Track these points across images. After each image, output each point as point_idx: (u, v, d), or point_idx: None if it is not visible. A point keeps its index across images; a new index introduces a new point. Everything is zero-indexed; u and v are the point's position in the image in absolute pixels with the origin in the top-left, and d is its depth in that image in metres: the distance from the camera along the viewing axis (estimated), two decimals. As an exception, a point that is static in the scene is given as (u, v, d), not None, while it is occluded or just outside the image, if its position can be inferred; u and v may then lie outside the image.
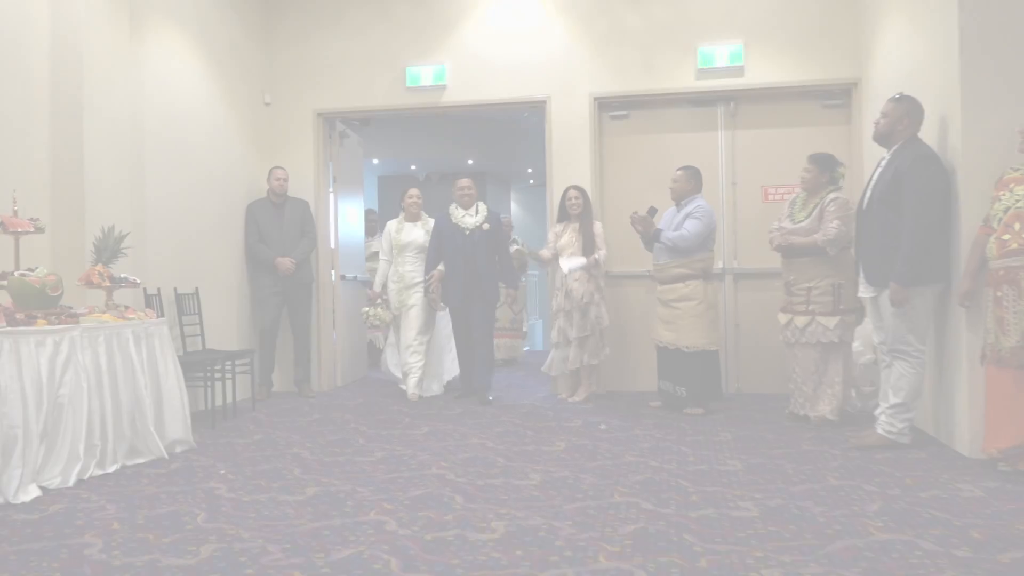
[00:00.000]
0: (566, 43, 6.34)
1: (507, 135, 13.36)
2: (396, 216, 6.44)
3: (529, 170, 15.52)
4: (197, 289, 5.67)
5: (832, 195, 4.75)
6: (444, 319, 6.32)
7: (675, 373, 5.36)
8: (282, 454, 4.23)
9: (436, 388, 6.33)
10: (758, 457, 3.98)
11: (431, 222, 6.20)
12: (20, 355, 3.38)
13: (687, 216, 5.30)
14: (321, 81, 6.69)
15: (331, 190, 6.87)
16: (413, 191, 6.36)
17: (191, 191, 5.66)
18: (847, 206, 4.68)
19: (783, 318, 5.00)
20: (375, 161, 13.58)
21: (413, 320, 6.13)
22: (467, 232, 5.93)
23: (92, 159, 4.58)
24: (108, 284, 4.09)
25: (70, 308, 3.95)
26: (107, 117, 4.72)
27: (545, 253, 6.09)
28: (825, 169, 4.88)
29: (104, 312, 4.02)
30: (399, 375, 6.37)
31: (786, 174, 6.13)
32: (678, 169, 5.46)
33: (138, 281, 4.33)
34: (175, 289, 5.47)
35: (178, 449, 4.28)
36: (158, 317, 4.35)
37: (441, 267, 6.00)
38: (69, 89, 4.53)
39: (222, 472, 3.82)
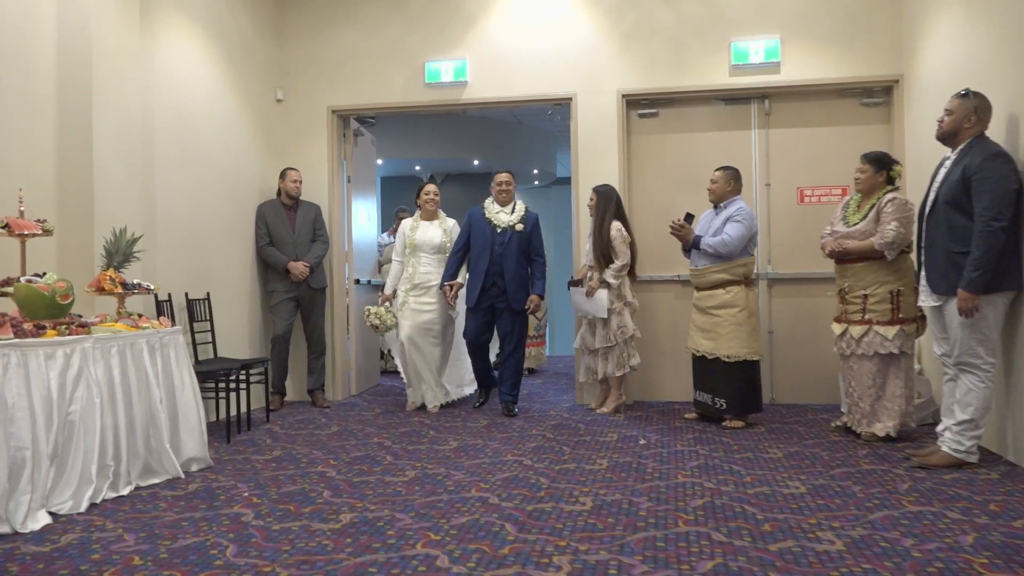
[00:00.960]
0: (593, 38, 6.08)
1: (513, 135, 13.14)
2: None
3: (535, 171, 15.27)
4: (208, 294, 5.39)
5: (889, 195, 4.48)
6: (459, 322, 6.01)
7: (713, 384, 5.10)
8: (306, 473, 3.95)
9: (442, 396, 5.86)
10: (819, 478, 3.71)
11: (450, 222, 5.92)
12: (28, 369, 3.09)
13: (727, 219, 5.04)
14: (335, 77, 6.41)
15: (346, 191, 6.58)
16: (430, 187, 5.97)
17: (201, 191, 5.38)
18: (906, 207, 4.42)
19: (837, 328, 4.73)
20: (379, 161, 13.31)
21: (424, 325, 5.74)
22: (498, 229, 5.56)
23: (101, 157, 4.30)
24: (120, 291, 3.81)
25: (80, 317, 3.67)
26: (117, 113, 4.44)
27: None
28: (881, 168, 4.59)
29: (116, 321, 3.74)
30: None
31: (822, 175, 5.90)
32: (717, 170, 5.20)
33: (152, 287, 4.04)
34: (186, 294, 5.18)
35: (194, 467, 4.00)
36: (173, 325, 4.06)
37: (462, 278, 5.72)
38: (77, 83, 4.24)
39: (245, 494, 3.54)
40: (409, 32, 6.32)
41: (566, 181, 16.23)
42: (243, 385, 5.10)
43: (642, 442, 4.60)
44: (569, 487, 3.61)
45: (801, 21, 5.79)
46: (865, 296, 4.56)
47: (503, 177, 5.71)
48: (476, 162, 13.77)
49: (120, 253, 3.92)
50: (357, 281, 6.67)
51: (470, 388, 6.25)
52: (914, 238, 4.37)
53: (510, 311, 5.58)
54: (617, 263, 5.46)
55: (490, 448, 4.49)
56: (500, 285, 5.53)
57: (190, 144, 5.26)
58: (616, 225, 5.53)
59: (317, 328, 6.06)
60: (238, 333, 5.81)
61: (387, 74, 6.34)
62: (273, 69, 6.37)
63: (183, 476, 3.84)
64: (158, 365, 3.82)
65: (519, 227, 5.59)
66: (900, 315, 4.48)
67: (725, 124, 6.06)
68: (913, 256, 4.45)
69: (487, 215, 5.62)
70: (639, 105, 6.12)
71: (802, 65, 5.80)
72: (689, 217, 5.13)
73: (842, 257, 4.64)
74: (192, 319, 5.19)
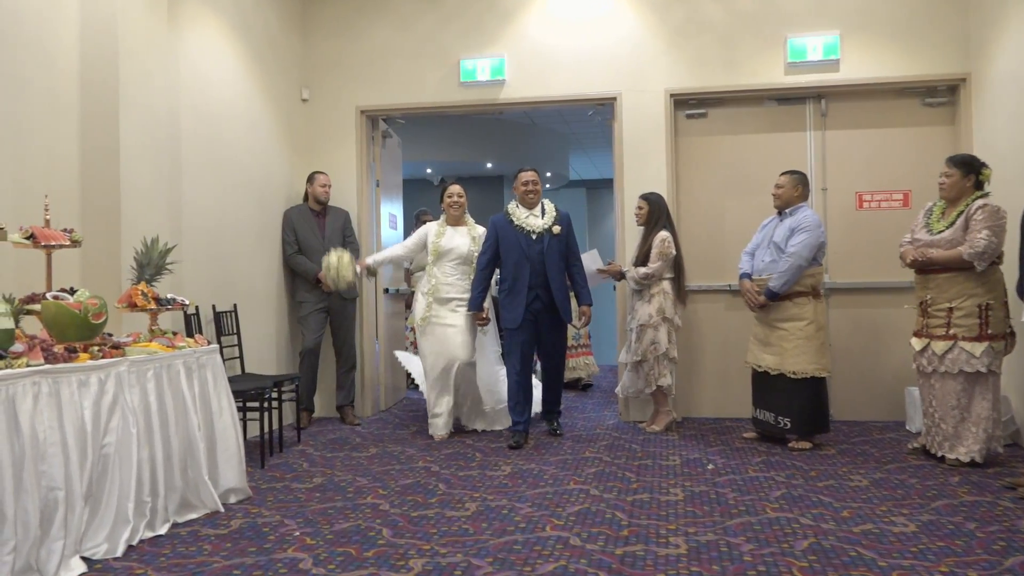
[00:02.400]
0: (638, 34, 5.75)
1: (527, 137, 12.84)
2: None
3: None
4: (235, 306, 5.04)
5: (979, 201, 4.16)
6: (491, 338, 5.42)
7: (777, 402, 4.77)
8: (356, 505, 3.61)
9: (480, 423, 5.35)
10: (922, 512, 3.39)
11: (479, 230, 5.27)
12: (60, 399, 2.75)
13: (793, 229, 4.71)
14: (364, 76, 6.07)
15: (374, 196, 6.24)
16: (454, 188, 5.27)
17: (227, 196, 5.04)
18: (998, 214, 4.09)
19: (917, 343, 4.40)
20: (393, 164, 12.99)
21: (449, 344, 5.06)
22: (533, 236, 4.94)
23: (128, 161, 3.96)
24: (154, 306, 3.47)
25: (111, 337, 3.33)
26: (144, 113, 4.10)
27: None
28: (969, 172, 4.27)
29: (150, 340, 3.40)
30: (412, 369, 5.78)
31: (882, 179, 5.59)
32: (783, 174, 4.88)
33: (186, 302, 3.70)
34: (213, 307, 4.84)
35: (232, 499, 3.65)
36: (209, 343, 3.71)
37: (488, 306, 5.14)
38: (103, 82, 3.90)
39: (296, 533, 3.20)
40: (443, 28, 5.99)
41: (578, 184, 15.99)
42: (274, 404, 4.75)
43: (710, 467, 4.27)
44: (652, 524, 3.27)
45: (861, 16, 5.48)
46: (950, 309, 4.24)
47: (529, 176, 5.05)
48: (489, 164, 13.47)
49: (152, 265, 3.57)
50: (386, 290, 6.34)
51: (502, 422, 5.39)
52: (1005, 248, 4.07)
53: (555, 326, 5.03)
54: (644, 269, 5.17)
55: (547, 474, 4.16)
56: (544, 299, 4.94)
57: (216, 147, 4.92)
58: (663, 235, 5.21)
59: (348, 341, 5.72)
60: (265, 347, 5.47)
61: (419, 72, 6.01)
62: (298, 67, 6.04)
63: (222, 510, 3.50)
64: (195, 388, 3.48)
65: (556, 229, 4.98)
66: (989, 331, 4.16)
67: (778, 125, 5.74)
68: (1004, 268, 4.14)
69: (516, 222, 4.97)
70: (687, 105, 5.80)
71: (862, 63, 5.48)
72: (771, 294, 4.75)
73: (925, 267, 4.31)
74: (219, 333, 4.85)
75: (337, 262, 5.10)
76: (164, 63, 4.31)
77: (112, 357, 3.05)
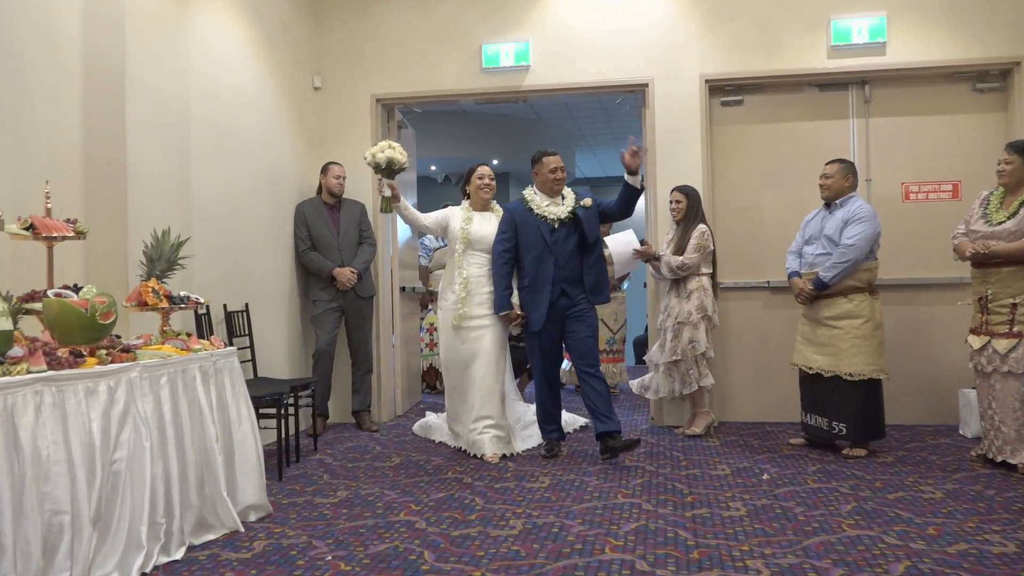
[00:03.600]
0: (671, 17, 5.43)
1: (534, 134, 12.54)
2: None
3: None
4: (247, 305, 4.71)
5: None
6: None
7: (830, 406, 4.45)
8: (389, 523, 3.28)
9: (520, 444, 4.69)
10: (1019, 530, 3.07)
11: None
12: (66, 410, 2.42)
13: (847, 221, 4.40)
14: (380, 62, 5.74)
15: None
16: (485, 170, 4.79)
17: (238, 188, 4.71)
18: None
19: (976, 341, 4.11)
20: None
21: (486, 352, 4.54)
22: (555, 226, 4.40)
23: (136, 146, 3.63)
24: (166, 305, 3.13)
25: (119, 339, 2.99)
26: (152, 96, 3.78)
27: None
28: None
29: (163, 342, 3.06)
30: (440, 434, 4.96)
31: (929, 169, 5.29)
32: (830, 163, 4.57)
33: (201, 300, 3.36)
34: (224, 306, 4.51)
35: (252, 517, 3.32)
36: (226, 345, 3.38)
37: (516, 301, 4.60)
38: (108, 62, 3.56)
39: (328, 558, 2.87)
40: (463, 11, 5.66)
41: (581, 182, 15.66)
42: (291, 410, 4.42)
43: (765, 477, 3.95)
44: (722, 544, 2.95)
45: (910, -4, 5.17)
46: (1014, 305, 3.95)
47: (556, 161, 4.46)
48: (495, 161, 13.15)
49: (163, 260, 3.24)
50: (403, 289, 6.00)
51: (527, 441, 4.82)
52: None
53: (584, 323, 4.41)
54: (681, 258, 4.88)
55: (590, 485, 3.84)
56: (573, 294, 4.39)
57: (227, 135, 4.58)
58: (702, 228, 4.93)
59: (364, 342, 5.38)
60: (277, 349, 5.13)
61: (438, 58, 5.68)
62: (310, 53, 5.70)
63: (243, 530, 3.16)
64: (212, 395, 3.15)
65: (587, 202, 4.43)
66: None
67: (818, 113, 5.42)
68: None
69: (536, 210, 4.41)
70: (722, 92, 5.48)
71: (909, 46, 5.17)
72: (821, 284, 4.44)
73: (986, 260, 4.01)
74: (231, 334, 4.51)
75: (383, 152, 4.52)
76: (174, 43, 3.98)
77: (122, 362, 2.71)
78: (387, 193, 4.57)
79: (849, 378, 4.37)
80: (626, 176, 4.31)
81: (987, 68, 5.15)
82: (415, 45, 5.70)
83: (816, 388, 4.54)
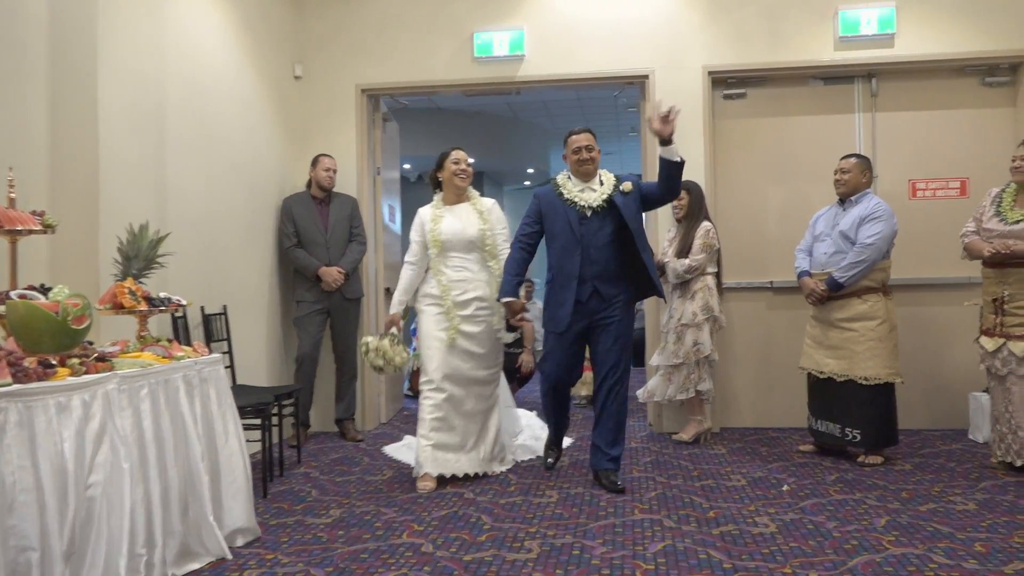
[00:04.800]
0: (673, 6, 5.20)
1: (510, 132, 12.32)
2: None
3: (530, 170, 14.45)
4: (225, 308, 4.38)
5: None
6: None
7: (843, 412, 4.26)
8: (392, 547, 2.99)
9: (483, 464, 4.09)
10: (1068, 543, 2.89)
11: (487, 203, 4.15)
12: (34, 429, 2.10)
13: (863, 218, 4.21)
14: (365, 51, 5.43)
15: (372, 186, 5.60)
16: (460, 154, 4.13)
17: (217, 180, 4.38)
18: None
19: (991, 343, 3.96)
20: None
21: (462, 364, 3.99)
22: (588, 213, 3.80)
23: (109, 133, 3.29)
24: (144, 307, 2.81)
25: (91, 345, 2.67)
26: (127, 76, 3.44)
27: None
28: None
29: (141, 349, 2.74)
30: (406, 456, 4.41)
31: (937, 166, 5.13)
32: (845, 158, 4.38)
33: (183, 302, 3.05)
34: (202, 308, 4.18)
35: (240, 541, 3.01)
36: (211, 353, 3.06)
37: (532, 307, 4.25)
38: (78, 37, 3.22)
39: (332, 590, 2.58)
40: (455, -3, 5.38)
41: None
42: (274, 420, 4.11)
43: (785, 489, 3.73)
44: (761, 567, 2.72)
45: (919, -13, 5.00)
46: None
47: (583, 139, 3.85)
48: (471, 160, 12.85)
49: (141, 258, 2.92)
50: (387, 290, 5.70)
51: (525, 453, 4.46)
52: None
53: (614, 328, 3.80)
54: (687, 261, 4.65)
55: (602, 499, 3.59)
56: (605, 294, 3.80)
57: (206, 123, 4.25)
58: (707, 225, 4.72)
59: (350, 346, 5.06)
60: (257, 354, 4.80)
61: (427, 47, 5.38)
62: (290, 40, 5.37)
63: (230, 557, 2.85)
64: (196, 408, 2.83)
65: (627, 187, 3.81)
66: None
67: (824, 107, 5.24)
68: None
69: (566, 195, 3.85)
70: (725, 84, 5.27)
71: (918, 38, 5.00)
72: (835, 285, 4.23)
73: (1005, 260, 3.85)
74: (208, 339, 4.18)
75: (379, 356, 3.95)
76: (150, 19, 3.65)
77: (98, 372, 2.39)
78: (393, 331, 4.06)
79: (864, 382, 4.17)
80: (659, 149, 3.64)
81: (997, 62, 5.00)
82: (402, 33, 5.40)
83: (827, 393, 4.34)
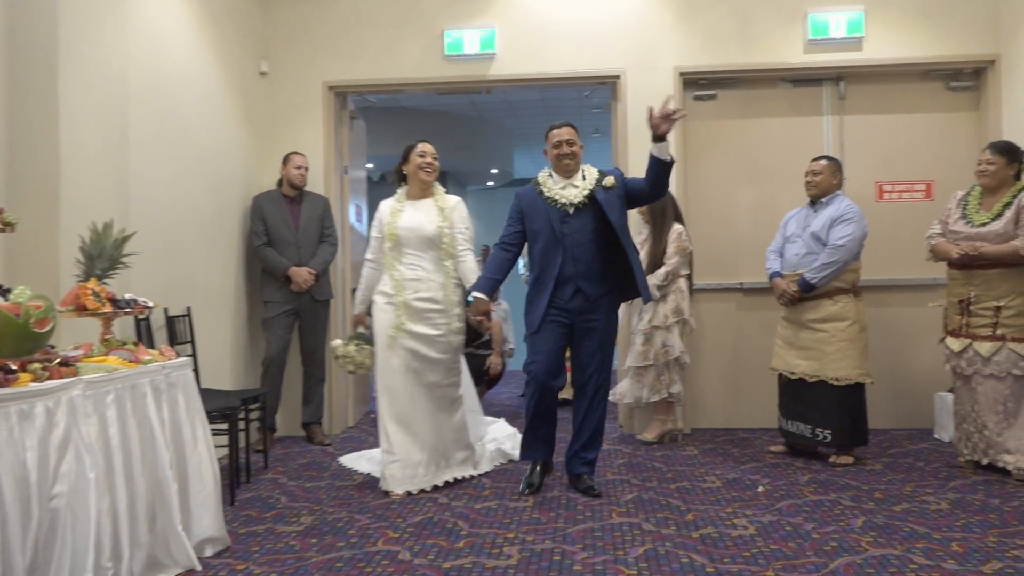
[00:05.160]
0: (645, 6, 5.19)
1: (473, 132, 12.26)
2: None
3: (493, 171, 14.38)
4: (189, 309, 4.25)
5: None
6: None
7: (814, 412, 4.28)
8: (367, 555, 2.91)
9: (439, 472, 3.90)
10: (1042, 542, 2.92)
11: (451, 200, 3.97)
12: (-5, 438, 1.99)
13: (834, 220, 4.24)
14: (333, 47, 5.32)
15: (340, 185, 5.50)
16: (427, 147, 3.95)
17: (181, 177, 4.24)
18: None
19: (956, 344, 4.02)
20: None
21: (417, 366, 3.81)
22: (570, 211, 3.67)
23: (70, 125, 3.16)
24: (109, 309, 2.70)
25: (53, 349, 2.55)
26: (89, 66, 3.30)
27: None
28: (1013, 160, 3.98)
29: (107, 353, 2.63)
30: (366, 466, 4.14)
31: (903, 168, 5.20)
32: (817, 160, 4.41)
33: (150, 304, 2.93)
34: (165, 310, 4.04)
35: (209, 551, 2.91)
36: (180, 357, 2.95)
37: (498, 308, 4.01)
38: (37, 28, 3.09)
39: (308, 601, 2.49)
40: (425, -6, 5.30)
41: (516, 183, 15.36)
42: (241, 425, 3.99)
43: (760, 490, 3.73)
44: (744, 570, 2.70)
45: (887, -9, 5.06)
46: (998, 308, 3.89)
47: (564, 133, 3.72)
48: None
49: (105, 257, 2.80)
50: (354, 291, 5.57)
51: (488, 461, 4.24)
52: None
53: (598, 331, 3.70)
54: (661, 271, 4.64)
55: (579, 503, 3.55)
56: (589, 293, 3.66)
57: (170, 118, 4.12)
58: (679, 228, 4.72)
59: (318, 348, 4.96)
60: (222, 357, 4.67)
61: (397, 44, 5.30)
62: (256, 35, 5.24)
63: (199, 567, 2.75)
64: (164, 414, 2.73)
65: (609, 182, 3.67)
66: None
67: (793, 109, 5.27)
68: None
69: (546, 194, 3.72)
70: (696, 86, 5.27)
71: (886, 42, 5.06)
72: (807, 286, 4.24)
73: (973, 262, 3.90)
74: (172, 341, 4.05)
75: (348, 361, 3.90)
76: (112, 8, 3.50)
77: (61, 377, 2.28)
78: (361, 330, 4.00)
79: (835, 383, 4.20)
80: (651, 146, 3.50)
81: (961, 66, 5.08)
82: (372, 30, 5.31)
83: (799, 394, 4.36)
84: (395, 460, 3.75)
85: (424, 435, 3.82)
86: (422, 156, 3.92)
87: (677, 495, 3.66)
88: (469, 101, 10.22)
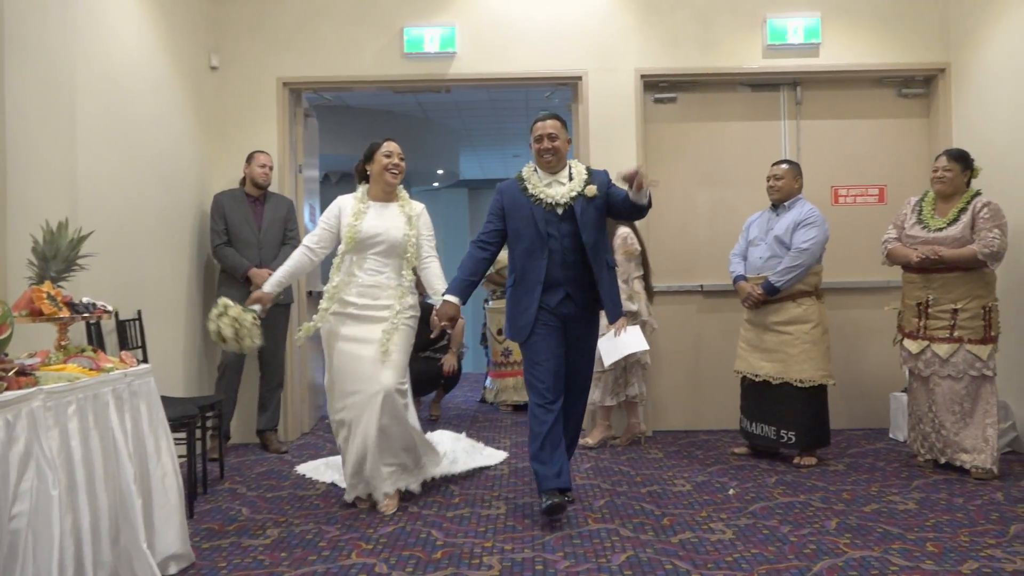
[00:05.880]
0: (607, 7, 5.18)
1: (422, 133, 12.13)
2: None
3: (440, 171, 14.26)
4: (140, 313, 4.06)
5: (983, 199, 3.97)
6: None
7: (778, 414, 4.31)
8: (343, 569, 2.80)
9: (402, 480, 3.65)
10: (1016, 543, 2.98)
11: (417, 207, 3.74)
12: (-48, 456, 1.82)
13: (797, 224, 4.29)
14: (288, 42, 5.16)
15: (295, 184, 5.34)
16: (393, 146, 3.70)
17: (131, 173, 4.04)
18: (1001, 214, 3.93)
19: (914, 346, 4.11)
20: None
21: (366, 367, 3.50)
22: (559, 210, 3.38)
23: (17, 117, 2.96)
24: (67, 314, 2.53)
25: (7, 357, 2.37)
26: (35, 53, 3.10)
27: None
28: (966, 168, 4.11)
29: (64, 361, 2.46)
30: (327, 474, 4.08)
31: (858, 173, 5.30)
32: (778, 164, 4.45)
33: (109, 308, 2.76)
34: (116, 313, 3.83)
35: (173, 569, 2.76)
36: (140, 364, 2.79)
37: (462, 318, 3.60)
38: (-22, 8, 2.89)
39: (286, 620, 2.37)
40: (384, -11, 5.18)
41: (460, 184, 15.25)
42: (198, 434, 3.82)
43: (731, 492, 3.74)
44: (727, 574, 2.67)
45: (843, -3, 5.14)
46: (955, 311, 3.99)
47: (547, 126, 3.41)
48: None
49: (60, 259, 2.63)
50: (309, 293, 5.44)
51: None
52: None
53: (585, 338, 3.51)
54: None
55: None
56: (579, 299, 3.42)
57: (117, 113, 3.91)
58: (622, 232, 4.67)
59: (276, 353, 4.79)
60: (174, 362, 4.48)
61: (354, 41, 5.17)
62: (206, 28, 5.04)
63: (164, 586, 2.60)
64: (127, 425, 2.57)
65: (591, 191, 3.37)
66: (992, 333, 3.97)
67: (751, 113, 5.32)
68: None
69: (530, 189, 3.43)
70: (657, 88, 5.28)
71: (841, 48, 5.15)
72: (772, 289, 4.27)
73: (932, 266, 3.99)
74: (122, 346, 3.85)
75: (230, 324, 3.32)
76: (58, -2, 3.31)
77: (20, 388, 2.11)
78: (256, 308, 3.50)
79: (799, 384, 4.24)
80: (630, 194, 3.28)
81: (913, 74, 5.20)
82: (328, 25, 5.16)
83: (762, 396, 4.39)
84: (387, 467, 3.57)
85: (392, 437, 3.56)
86: (388, 156, 3.67)
87: (649, 499, 3.63)
88: (416, 101, 10.09)
